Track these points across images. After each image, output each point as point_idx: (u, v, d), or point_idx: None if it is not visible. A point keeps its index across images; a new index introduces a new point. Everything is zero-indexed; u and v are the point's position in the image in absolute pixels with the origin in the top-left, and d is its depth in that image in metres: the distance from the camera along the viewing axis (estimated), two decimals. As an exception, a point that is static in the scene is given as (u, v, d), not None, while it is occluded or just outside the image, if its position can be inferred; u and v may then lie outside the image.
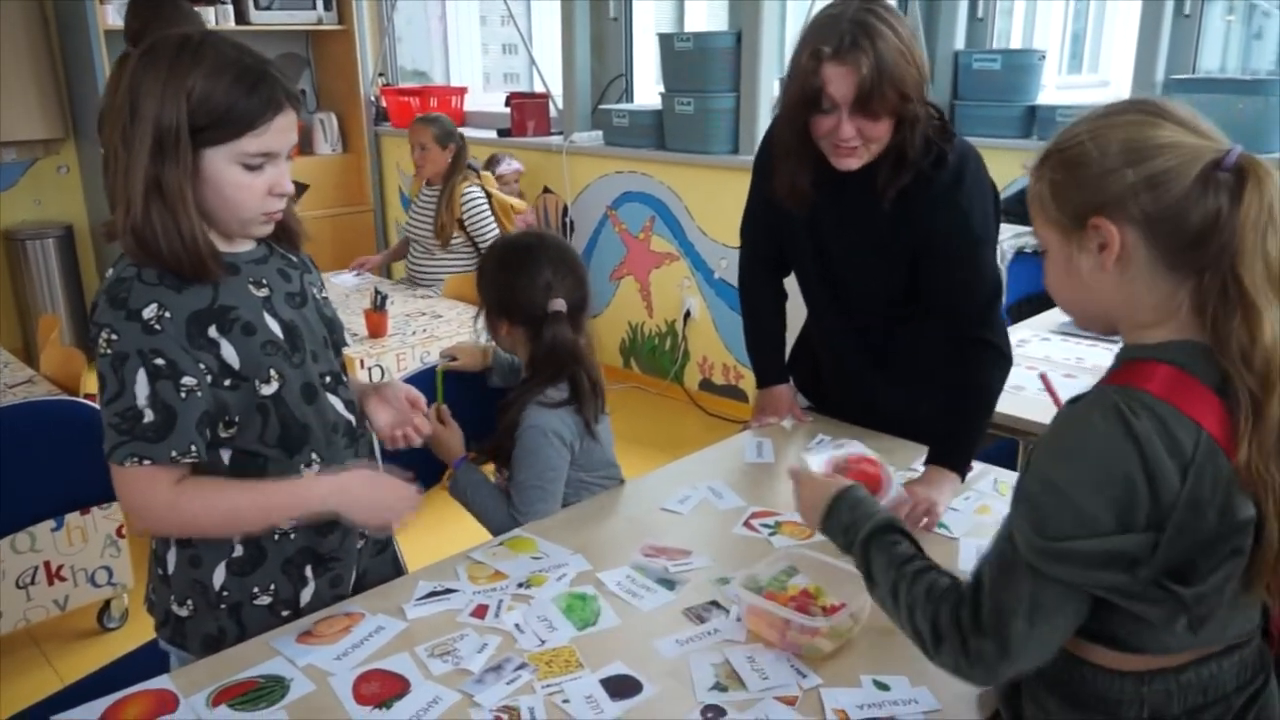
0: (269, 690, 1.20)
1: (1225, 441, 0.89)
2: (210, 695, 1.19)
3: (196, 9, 4.94)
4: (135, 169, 1.22)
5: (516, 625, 1.33)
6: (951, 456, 1.71)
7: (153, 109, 1.21)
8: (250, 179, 1.27)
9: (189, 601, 1.38)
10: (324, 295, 1.49)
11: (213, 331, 1.27)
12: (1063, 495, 0.91)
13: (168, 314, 1.24)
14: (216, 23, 5.04)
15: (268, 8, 5.19)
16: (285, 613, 1.38)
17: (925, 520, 1.62)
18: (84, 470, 1.72)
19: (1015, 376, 2.08)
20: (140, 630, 2.48)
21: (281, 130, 1.28)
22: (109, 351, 1.23)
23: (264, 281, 1.35)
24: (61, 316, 4.91)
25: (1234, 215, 0.88)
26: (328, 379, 1.40)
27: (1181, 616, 0.92)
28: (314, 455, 1.37)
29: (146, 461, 1.23)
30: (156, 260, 1.24)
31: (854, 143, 1.62)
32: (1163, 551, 0.89)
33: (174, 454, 1.23)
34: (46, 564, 2.53)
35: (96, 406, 1.73)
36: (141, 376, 1.22)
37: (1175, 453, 0.88)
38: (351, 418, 1.44)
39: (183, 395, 1.24)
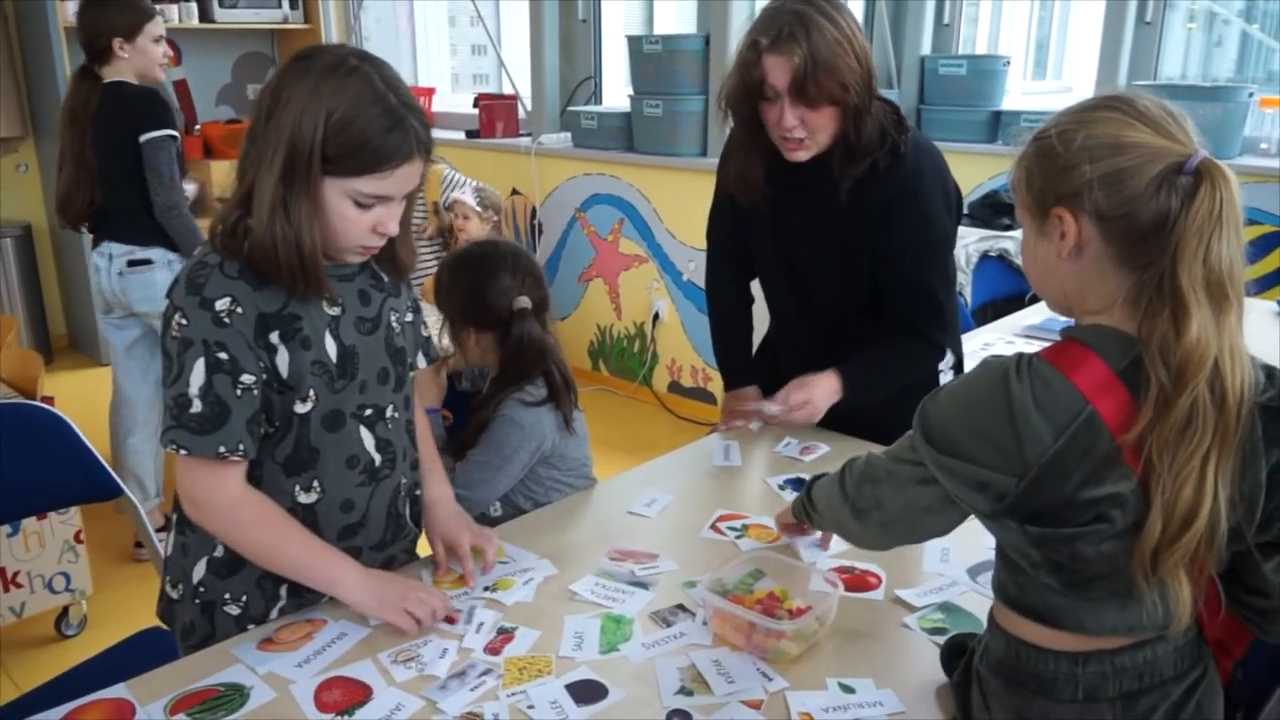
0: (228, 699, 1.18)
1: (1115, 422, 0.93)
2: (168, 704, 1.17)
3: (160, 6, 4.90)
4: (265, 181, 1.21)
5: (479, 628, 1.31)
6: (850, 372, 1.82)
7: (290, 123, 1.20)
8: (357, 214, 1.26)
9: (179, 586, 1.41)
10: (408, 320, 1.46)
11: (274, 337, 1.28)
12: (945, 423, 1.03)
13: (240, 309, 1.24)
14: (180, 20, 4.98)
15: (232, 6, 5.13)
16: (250, 628, 1.36)
17: (802, 412, 1.77)
18: (41, 475, 1.70)
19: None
20: (99, 638, 2.45)
21: (403, 178, 1.26)
22: (177, 335, 1.24)
23: (340, 300, 1.34)
24: (20, 318, 4.82)
25: (1183, 216, 0.91)
26: (368, 412, 1.38)
27: (1046, 567, 0.99)
28: (315, 482, 1.36)
29: (184, 451, 1.24)
30: (271, 268, 1.24)
31: (798, 133, 1.68)
32: (1021, 495, 0.96)
33: (221, 449, 1.25)
34: (2, 570, 2.48)
35: (54, 410, 1.73)
36: (199, 366, 1.23)
37: (1052, 418, 0.94)
38: (379, 457, 1.41)
39: (238, 393, 1.25)
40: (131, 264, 2.94)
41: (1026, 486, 0.96)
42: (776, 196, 1.82)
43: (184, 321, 1.23)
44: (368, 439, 1.39)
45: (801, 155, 1.72)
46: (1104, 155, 0.94)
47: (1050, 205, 0.99)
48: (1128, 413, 0.93)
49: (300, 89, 1.20)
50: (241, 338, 1.24)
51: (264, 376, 1.27)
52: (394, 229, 1.31)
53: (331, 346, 1.33)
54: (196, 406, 1.23)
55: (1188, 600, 0.96)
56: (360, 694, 1.19)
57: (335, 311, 1.34)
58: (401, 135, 1.23)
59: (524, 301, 1.81)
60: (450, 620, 1.33)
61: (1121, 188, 0.93)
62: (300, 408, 1.31)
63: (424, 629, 1.30)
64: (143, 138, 2.85)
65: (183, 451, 1.24)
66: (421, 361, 1.52)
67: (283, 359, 1.28)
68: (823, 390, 1.81)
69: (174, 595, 1.42)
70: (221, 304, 1.23)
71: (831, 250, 1.81)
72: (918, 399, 1.06)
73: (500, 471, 1.77)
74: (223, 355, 1.23)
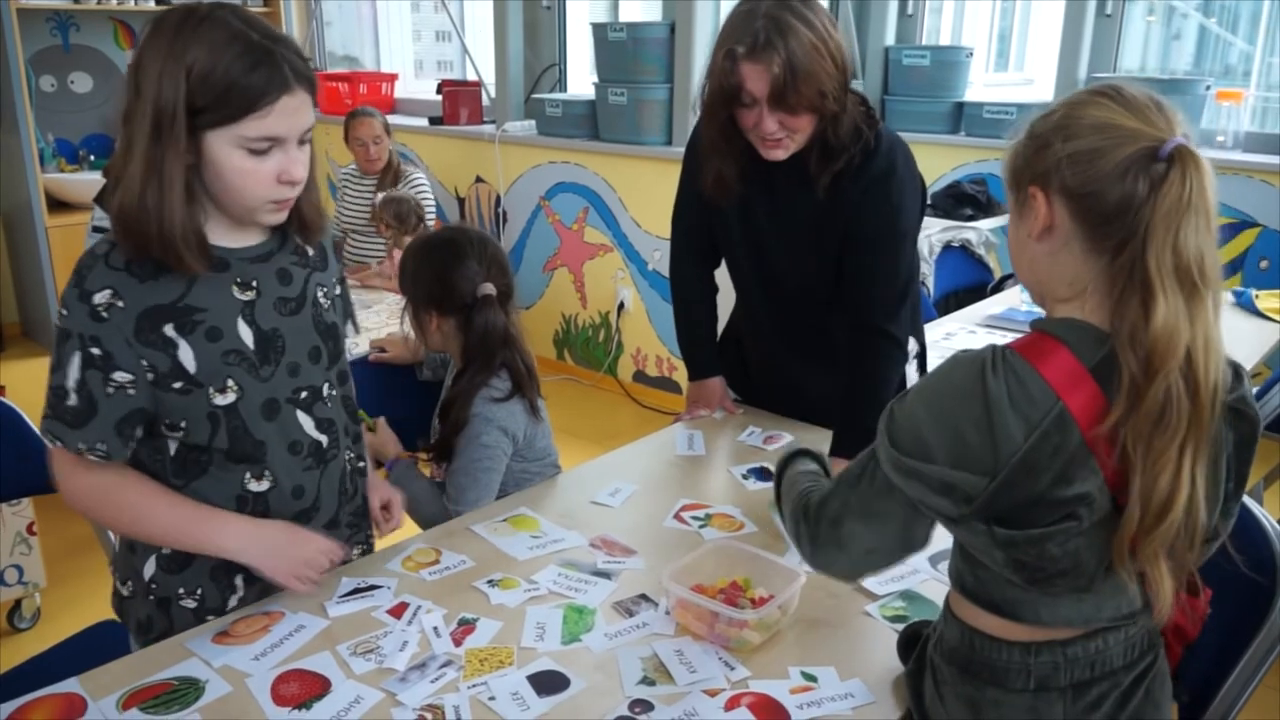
0: (183, 693, 1.16)
1: (1084, 418, 0.93)
2: (121, 699, 1.15)
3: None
4: (135, 148, 1.16)
5: (435, 629, 1.30)
6: (849, 448, 1.71)
7: (152, 86, 1.15)
8: (255, 164, 1.20)
9: (129, 583, 1.39)
10: (337, 295, 1.43)
11: (169, 330, 1.23)
12: (915, 424, 0.99)
13: (120, 303, 1.20)
14: (135, 4, 4.88)
15: (190, -11, 5.03)
16: (209, 619, 1.34)
17: None
18: (-11, 466, 1.66)
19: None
20: (52, 631, 2.40)
21: (287, 113, 1.19)
22: (59, 325, 1.22)
23: (254, 284, 1.29)
24: (-29, 305, 4.72)
25: (1150, 202, 0.91)
26: (303, 395, 1.35)
27: (1011, 566, 0.98)
28: (265, 471, 1.33)
29: (57, 442, 1.23)
30: (142, 245, 1.19)
31: (778, 135, 1.66)
32: (991, 496, 0.95)
33: (81, 446, 1.22)
34: (-48, 563, 2.43)
35: (4, 400, 1.69)
36: (76, 359, 1.21)
37: (1024, 415, 0.93)
38: (324, 438, 1.38)
39: (109, 391, 1.22)
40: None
41: (997, 487, 0.94)
42: (747, 192, 1.80)
43: (64, 312, 1.21)
44: (307, 422, 1.36)
45: (780, 154, 1.70)
46: (1078, 134, 0.95)
47: (1026, 183, 0.99)
48: (1098, 407, 0.93)
49: (154, 55, 1.15)
50: (119, 334, 1.20)
51: (150, 376, 1.23)
52: (300, 174, 1.24)
53: (247, 334, 1.28)
54: (72, 400, 1.22)
55: (1169, 591, 0.96)
56: (319, 686, 1.18)
57: (248, 296, 1.29)
58: (270, 69, 1.17)
59: (488, 289, 1.79)
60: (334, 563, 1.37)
61: (1090, 166, 0.93)
62: (221, 399, 1.27)
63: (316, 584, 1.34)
64: None
65: (57, 443, 1.23)
66: (350, 330, 1.48)
67: (186, 353, 1.24)
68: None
69: (125, 592, 1.40)
70: (100, 298, 1.19)
71: (803, 243, 1.79)
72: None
73: (492, 474, 1.77)
74: (96, 351, 1.20)
